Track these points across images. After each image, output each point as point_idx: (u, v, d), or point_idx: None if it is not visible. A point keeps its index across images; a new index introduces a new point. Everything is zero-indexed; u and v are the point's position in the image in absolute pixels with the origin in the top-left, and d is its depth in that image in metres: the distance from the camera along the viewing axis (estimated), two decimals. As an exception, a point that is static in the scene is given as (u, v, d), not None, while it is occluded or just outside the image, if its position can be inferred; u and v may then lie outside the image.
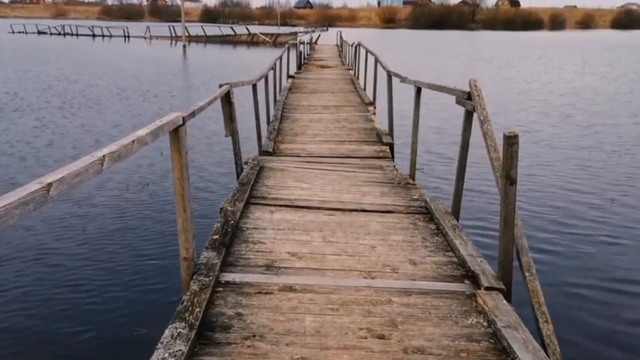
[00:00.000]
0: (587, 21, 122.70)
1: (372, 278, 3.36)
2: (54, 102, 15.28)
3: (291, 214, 4.51)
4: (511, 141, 3.00)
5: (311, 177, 5.84)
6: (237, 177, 5.74)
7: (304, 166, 6.43)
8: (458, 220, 4.35)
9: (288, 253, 3.70)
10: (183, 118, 2.97)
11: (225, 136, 5.74)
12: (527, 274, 3.07)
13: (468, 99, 4.14)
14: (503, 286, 3.14)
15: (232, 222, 4.07)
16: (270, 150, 7.25)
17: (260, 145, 7.68)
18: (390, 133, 8.16)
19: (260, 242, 3.87)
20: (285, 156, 7.11)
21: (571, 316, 4.57)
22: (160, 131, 2.61)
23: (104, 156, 1.96)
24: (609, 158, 9.89)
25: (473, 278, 3.33)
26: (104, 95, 16.84)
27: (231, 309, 2.94)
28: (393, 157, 7.32)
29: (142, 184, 8.27)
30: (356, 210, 4.71)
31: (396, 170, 6.49)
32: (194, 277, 3.16)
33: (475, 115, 4.01)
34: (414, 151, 6.21)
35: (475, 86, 4.01)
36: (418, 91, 5.98)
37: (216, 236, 3.77)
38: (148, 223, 6.72)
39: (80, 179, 1.76)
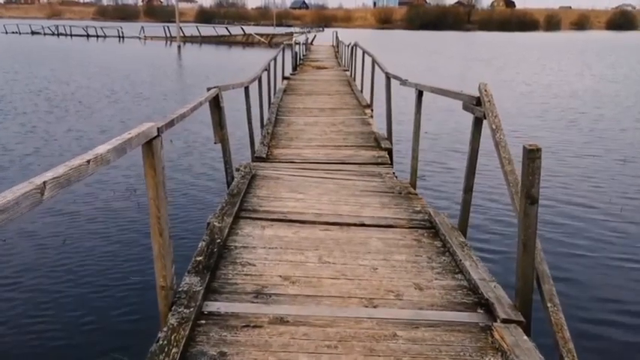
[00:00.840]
0: (582, 22, 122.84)
1: (374, 307, 3.00)
2: (42, 105, 14.73)
3: (285, 230, 4.15)
4: (533, 155, 2.64)
5: (306, 186, 5.48)
6: (228, 186, 5.37)
7: (299, 173, 6.07)
8: (465, 237, 4.00)
9: (281, 276, 3.33)
10: (158, 128, 2.60)
11: (215, 142, 5.37)
12: (549, 304, 2.71)
13: (477, 105, 3.79)
14: (522, 318, 2.78)
15: (219, 240, 3.69)
16: (264, 156, 6.90)
17: (253, 151, 7.33)
18: (389, 137, 7.82)
19: (249, 264, 3.50)
20: (279, 162, 6.76)
21: (601, 353, 4.10)
22: (128, 146, 2.24)
23: (45, 183, 1.58)
24: (617, 167, 9.40)
25: (487, 307, 2.97)
26: (95, 98, 16.32)
27: (214, 347, 2.57)
28: (392, 163, 6.97)
29: (128, 190, 7.76)
30: (354, 224, 4.34)
31: (396, 177, 6.14)
32: (173, 307, 2.80)
33: (485, 122, 3.67)
34: (415, 158, 5.85)
35: (485, 91, 3.66)
36: (419, 94, 5.63)
37: (201, 257, 3.40)
38: (129, 240, 6.05)
39: (8, 216, 1.38)
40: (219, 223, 4.03)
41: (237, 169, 5.97)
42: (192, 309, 2.78)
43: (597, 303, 4.80)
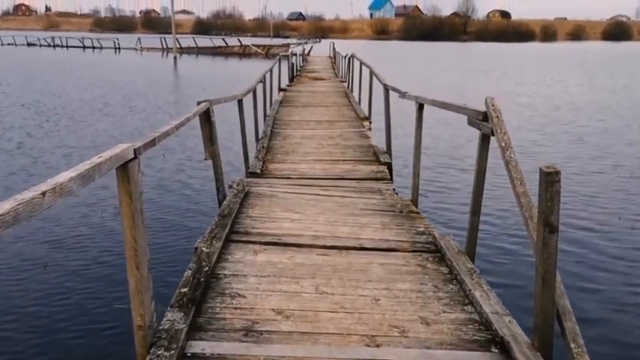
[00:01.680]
0: (578, 32, 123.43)
1: (377, 346, 2.71)
2: (32, 119, 14.31)
3: (279, 255, 3.85)
4: (551, 178, 2.37)
5: (302, 205, 5.20)
6: (219, 205, 5.09)
7: (295, 190, 5.79)
8: (474, 262, 3.71)
9: (274, 310, 3.03)
10: (134, 150, 2.32)
11: (205, 159, 5.10)
12: (572, 345, 2.42)
13: (483, 120, 3.52)
14: (542, 361, 2.49)
15: (207, 268, 3.40)
16: (258, 171, 6.63)
17: (247, 166, 7.06)
18: (388, 151, 7.56)
19: (239, 295, 3.20)
20: (274, 178, 6.49)
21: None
22: (96, 172, 1.96)
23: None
24: (625, 183, 9.02)
25: (502, 345, 2.68)
26: (87, 111, 15.96)
27: (197, 397, 2.28)
28: (391, 179, 6.70)
29: (112, 214, 7.03)
30: (354, 248, 4.06)
31: (396, 194, 5.86)
32: (152, 350, 2.50)
33: (492, 138, 3.40)
34: (416, 175, 5.58)
35: (493, 106, 3.40)
36: (420, 107, 5.37)
37: (186, 289, 3.11)
38: (106, 271, 5.44)
39: None
40: (207, 248, 3.74)
41: (230, 186, 5.70)
42: (173, 351, 2.49)
43: (624, 345, 4.38)
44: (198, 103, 4.77)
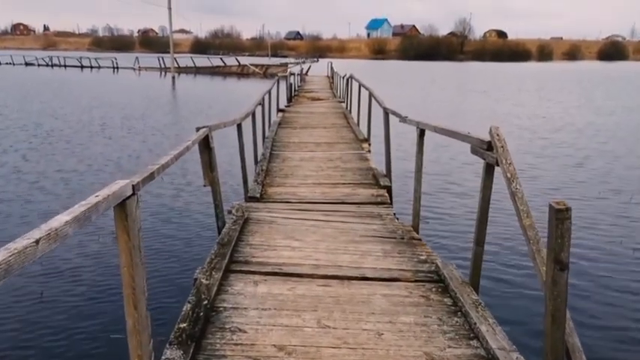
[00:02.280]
0: (573, 52, 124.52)
1: (381, 385, 2.63)
2: (27, 142, 14.08)
3: (279, 286, 3.77)
4: (562, 215, 2.31)
5: (302, 231, 5.13)
6: (218, 232, 5.02)
7: (295, 215, 5.73)
8: (478, 293, 3.64)
9: (275, 346, 2.95)
10: (133, 186, 2.26)
11: (204, 185, 5.04)
12: (584, 386, 2.35)
13: (487, 149, 3.48)
14: (553, 402, 2.41)
15: (206, 302, 3.32)
16: (257, 195, 6.57)
17: (246, 190, 7.01)
18: (388, 174, 7.52)
19: (240, 330, 3.12)
20: (273, 202, 6.44)
21: None
22: (94, 213, 1.90)
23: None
24: (631, 208, 8.90)
25: (510, 385, 2.60)
26: (85, 133, 15.80)
27: None
28: (392, 202, 6.65)
29: (109, 247, 6.65)
30: (356, 278, 3.98)
31: (397, 219, 5.80)
32: (150, 391, 2.42)
33: (497, 168, 3.36)
34: (417, 200, 5.52)
35: (497, 135, 3.36)
36: (421, 133, 5.33)
37: (185, 324, 3.03)
38: (104, 309, 5.18)
39: None
40: (206, 279, 3.66)
41: (230, 212, 5.63)
42: (172, 393, 2.41)
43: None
44: (197, 129, 4.72)
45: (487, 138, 3.48)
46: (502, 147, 3.28)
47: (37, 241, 1.52)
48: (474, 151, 3.76)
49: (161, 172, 2.83)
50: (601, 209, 8.82)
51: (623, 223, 8.16)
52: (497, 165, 3.31)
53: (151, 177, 2.60)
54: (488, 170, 3.55)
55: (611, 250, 6.98)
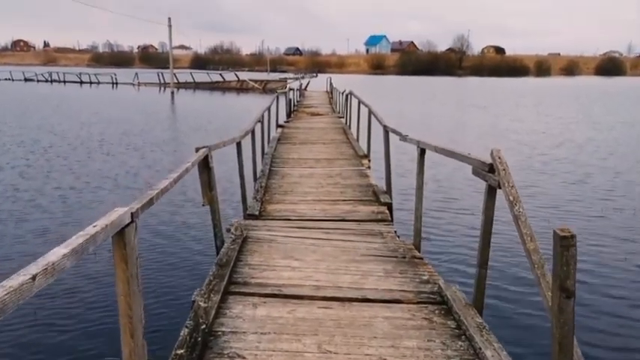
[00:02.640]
0: (571, 68, 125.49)
1: (384, 415, 2.57)
2: (24, 159, 13.89)
3: (279, 309, 3.71)
4: (567, 243, 2.27)
5: (302, 250, 5.08)
6: (217, 252, 4.97)
7: (294, 233, 5.67)
8: (482, 316, 3.58)
9: (275, 373, 2.89)
10: (132, 214, 2.22)
11: (203, 205, 4.99)
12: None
13: (489, 171, 3.45)
14: None
15: (204, 326, 3.26)
16: (256, 213, 6.52)
17: (245, 207, 6.96)
18: (388, 190, 7.48)
19: (238, 356, 3.05)
20: (272, 219, 6.38)
21: None
22: (91, 244, 1.85)
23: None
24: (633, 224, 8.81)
25: (516, 414, 2.54)
26: (84, 149, 15.66)
27: None
28: (392, 219, 6.60)
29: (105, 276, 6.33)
30: (357, 299, 3.92)
31: (398, 237, 5.75)
32: (147, 422, 2.35)
33: (500, 191, 3.32)
34: (418, 218, 5.47)
35: (499, 158, 3.33)
36: (422, 152, 5.30)
37: (182, 350, 2.97)
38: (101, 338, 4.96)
39: None
40: (204, 302, 3.60)
41: (228, 230, 5.58)
42: None
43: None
44: (197, 149, 4.68)
45: (488, 160, 3.46)
46: (504, 170, 3.25)
47: (33, 277, 1.47)
48: (475, 173, 3.73)
49: (160, 197, 2.79)
50: (603, 227, 8.74)
51: (626, 240, 8.09)
52: (500, 187, 3.28)
53: (150, 203, 2.55)
54: (491, 192, 3.51)
55: (616, 269, 6.89)
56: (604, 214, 9.53)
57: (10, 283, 1.39)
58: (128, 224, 2.18)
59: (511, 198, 3.07)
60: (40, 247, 7.09)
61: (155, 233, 8.14)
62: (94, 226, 1.93)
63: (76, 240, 1.78)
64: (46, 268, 1.54)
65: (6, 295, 1.34)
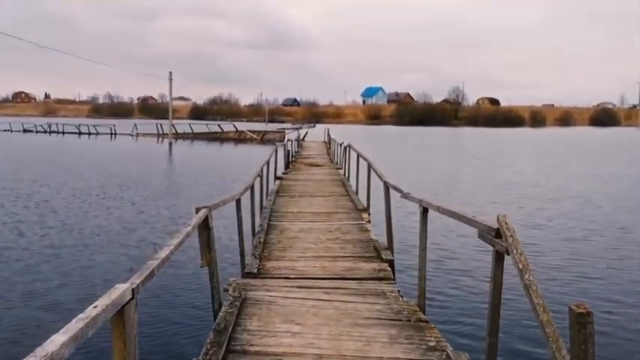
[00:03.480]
0: (566, 118, 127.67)
1: None
2: (12, 215, 13.54)
3: (280, 381, 3.57)
4: (583, 320, 2.19)
5: (303, 313, 4.94)
6: (214, 315, 4.83)
7: (294, 294, 5.53)
8: (492, 388, 3.44)
9: None
10: (132, 289, 2.13)
11: (201, 266, 4.89)
12: None
13: (496, 236, 3.39)
14: None
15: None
16: (255, 271, 6.39)
17: (243, 265, 6.83)
18: (389, 246, 7.37)
19: None
20: (271, 278, 6.25)
21: None
22: (91, 328, 1.76)
23: None
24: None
25: None
26: (78, 205, 15.30)
27: None
28: (394, 277, 6.46)
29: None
30: (361, 370, 3.78)
31: (401, 297, 5.61)
32: None
33: (508, 257, 3.25)
34: (422, 278, 5.36)
35: (506, 224, 3.27)
36: (424, 210, 5.25)
37: None
38: None
39: None
40: (203, 374, 3.46)
41: (226, 290, 5.45)
42: None
43: None
44: (197, 209, 4.62)
45: (495, 224, 3.39)
46: (512, 236, 3.18)
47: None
48: (481, 237, 3.66)
49: (161, 268, 2.70)
50: (610, 283, 8.55)
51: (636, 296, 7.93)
52: (508, 254, 3.21)
53: (151, 275, 2.47)
54: (498, 258, 3.43)
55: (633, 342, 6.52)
56: (611, 265, 9.35)
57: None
58: (128, 301, 2.09)
59: (520, 266, 2.99)
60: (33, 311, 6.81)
61: (150, 297, 7.53)
62: (95, 307, 1.84)
63: (76, 325, 1.69)
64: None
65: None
